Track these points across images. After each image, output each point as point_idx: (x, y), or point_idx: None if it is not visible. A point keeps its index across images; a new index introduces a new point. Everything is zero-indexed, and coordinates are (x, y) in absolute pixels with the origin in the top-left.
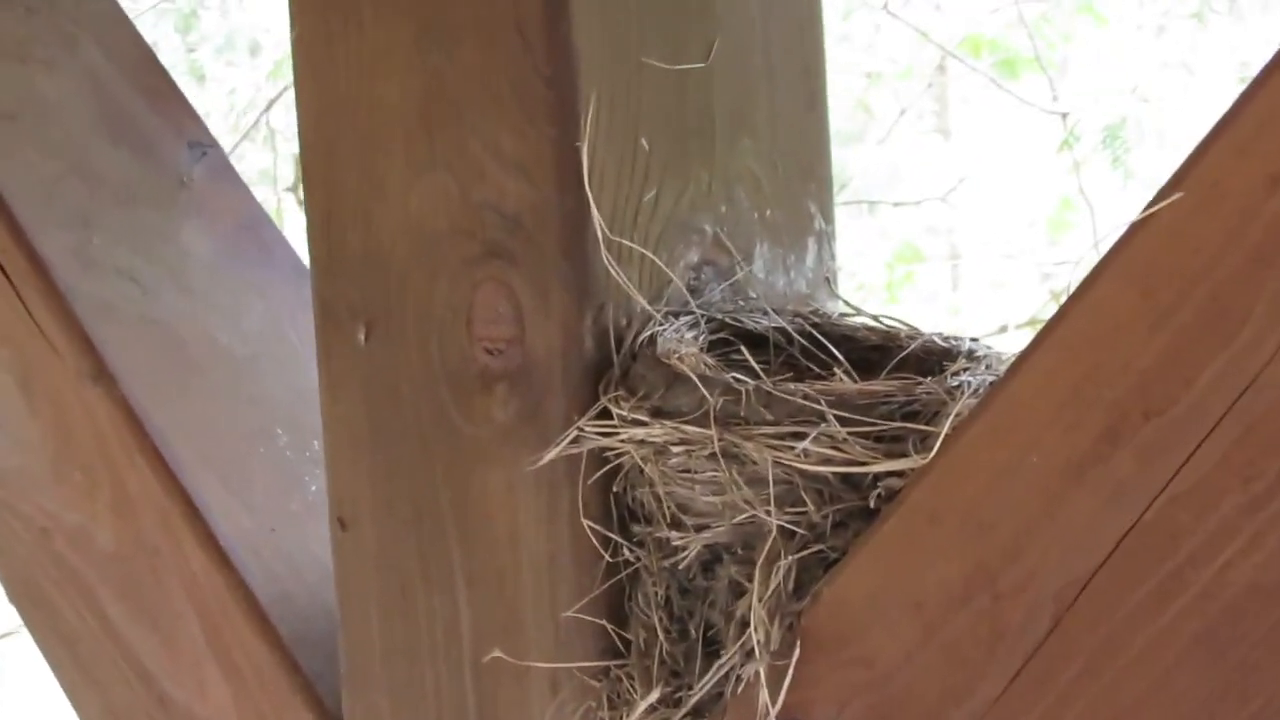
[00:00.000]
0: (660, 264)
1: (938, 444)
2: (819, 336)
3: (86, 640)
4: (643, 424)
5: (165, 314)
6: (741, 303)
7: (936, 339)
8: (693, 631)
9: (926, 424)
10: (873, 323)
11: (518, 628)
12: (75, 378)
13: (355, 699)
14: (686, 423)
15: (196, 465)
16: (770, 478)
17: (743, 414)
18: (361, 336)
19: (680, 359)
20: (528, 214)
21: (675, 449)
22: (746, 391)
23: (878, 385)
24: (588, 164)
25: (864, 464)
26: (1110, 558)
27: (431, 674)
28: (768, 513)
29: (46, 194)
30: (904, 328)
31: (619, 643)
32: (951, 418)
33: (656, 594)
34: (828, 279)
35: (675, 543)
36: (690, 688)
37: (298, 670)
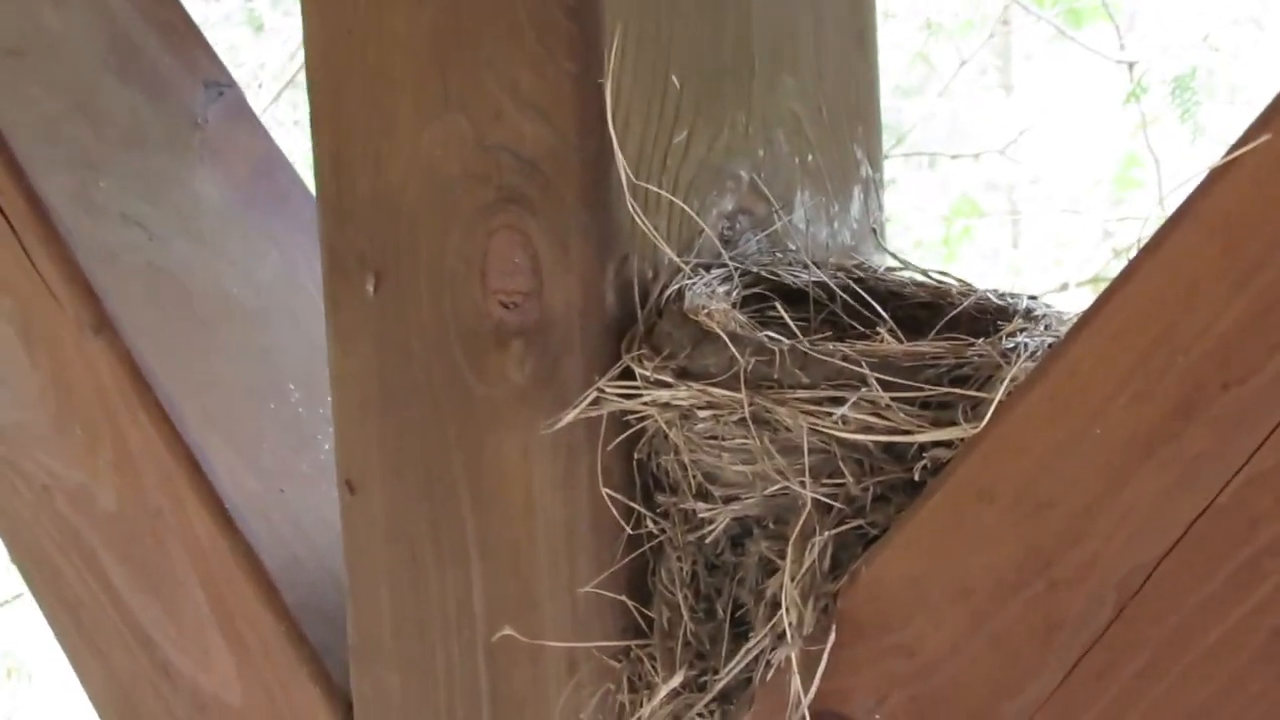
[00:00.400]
0: (690, 212)
1: (990, 413)
2: (863, 292)
3: (89, 605)
4: (667, 385)
5: (173, 263)
6: (779, 255)
7: (991, 296)
8: (720, 611)
9: (978, 389)
10: (922, 278)
11: (532, 603)
12: (76, 328)
13: (363, 674)
14: (715, 385)
15: (202, 423)
16: (805, 446)
17: (776, 376)
18: (370, 287)
19: (709, 315)
20: (546, 158)
21: (702, 413)
22: (780, 352)
23: (925, 346)
24: (612, 104)
25: (908, 433)
26: (1180, 543)
27: (443, 651)
28: (802, 484)
29: (50, 134)
30: (956, 283)
31: (641, 621)
32: (1006, 383)
33: (681, 570)
34: (874, 230)
35: (702, 515)
36: (716, 671)
37: (304, 642)
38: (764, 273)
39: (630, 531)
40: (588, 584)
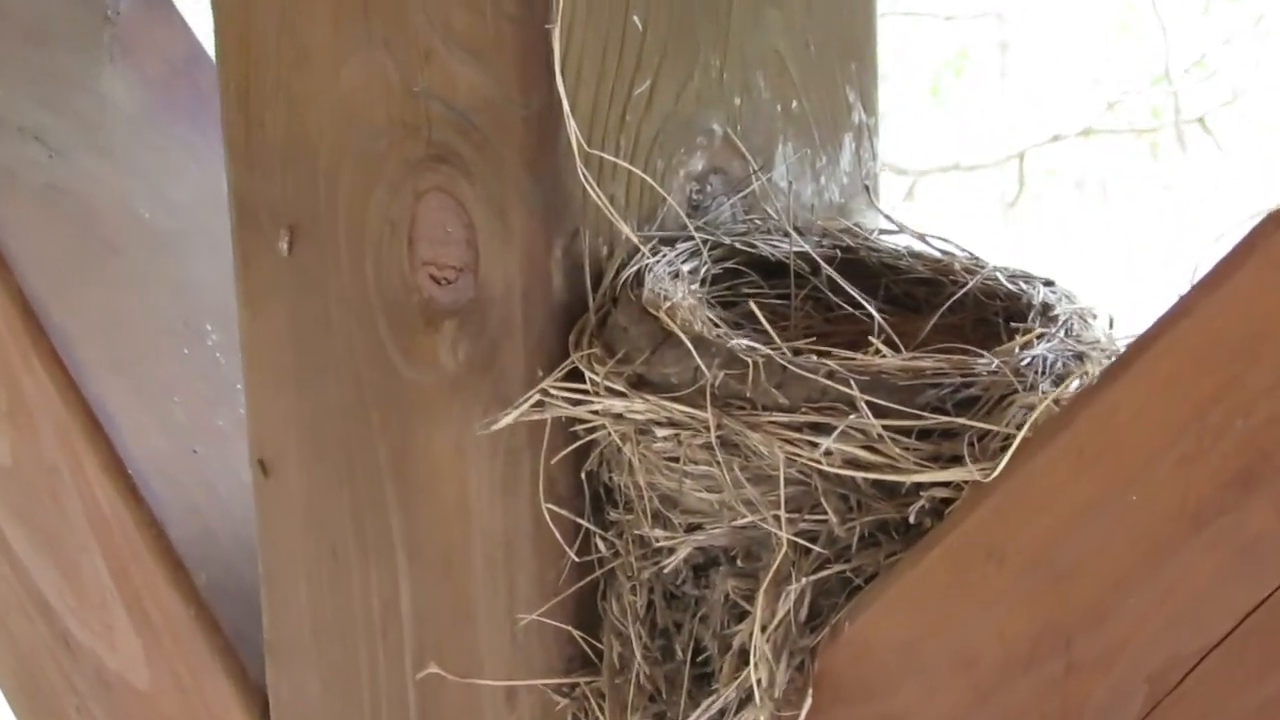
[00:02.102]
0: (652, 182)
1: (1005, 459)
2: (852, 265)
3: None
4: (621, 395)
5: (75, 181)
6: (756, 222)
7: (1000, 277)
8: (679, 651)
9: (986, 414)
10: (919, 244)
11: (466, 616)
12: None
13: (280, 674)
14: (677, 399)
15: (103, 370)
16: (782, 479)
17: (749, 395)
18: (284, 245)
19: (671, 313)
20: (483, 111)
21: (661, 431)
22: (755, 365)
23: (925, 361)
24: (561, 51)
25: (905, 472)
26: (1230, 636)
27: (367, 658)
28: (777, 519)
29: None
30: (958, 254)
31: (589, 651)
32: (1024, 421)
33: (634, 603)
34: (867, 186)
35: (660, 544)
36: None
37: (217, 630)
38: (738, 244)
39: (576, 558)
40: (528, 604)
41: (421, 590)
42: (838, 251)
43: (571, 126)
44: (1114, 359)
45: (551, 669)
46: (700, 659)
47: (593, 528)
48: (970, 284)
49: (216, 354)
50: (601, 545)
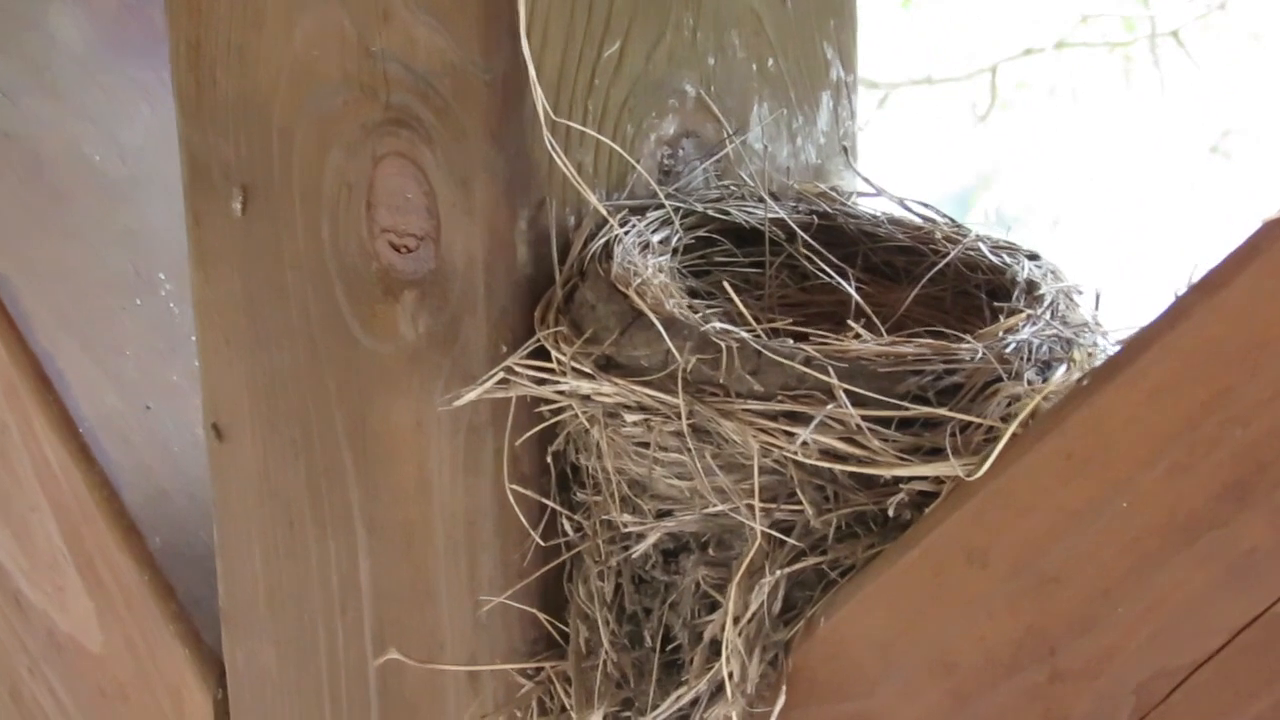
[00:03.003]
0: (620, 150)
1: (990, 459)
2: (830, 232)
3: None
4: (588, 376)
5: (20, 124)
6: (730, 187)
7: (983, 248)
8: (648, 638)
9: (970, 402)
10: (899, 210)
11: (428, 596)
12: None
13: (235, 643)
14: (646, 383)
15: (52, 323)
16: (756, 469)
17: (722, 380)
18: (238, 205)
19: (641, 291)
20: (444, 75)
21: (630, 416)
22: (729, 349)
23: (906, 347)
24: (526, 12)
25: (884, 465)
26: (1222, 652)
27: (325, 633)
28: (750, 508)
29: None
30: (940, 221)
31: (554, 633)
32: (1009, 413)
33: (601, 588)
34: (845, 147)
35: (629, 529)
36: (642, 713)
37: (170, 595)
38: (711, 211)
39: (542, 542)
40: (491, 585)
41: (381, 566)
42: (814, 218)
43: (538, 93)
44: (1105, 359)
45: (515, 651)
46: (670, 647)
47: (559, 509)
48: (951, 254)
49: (170, 304)
50: (568, 527)
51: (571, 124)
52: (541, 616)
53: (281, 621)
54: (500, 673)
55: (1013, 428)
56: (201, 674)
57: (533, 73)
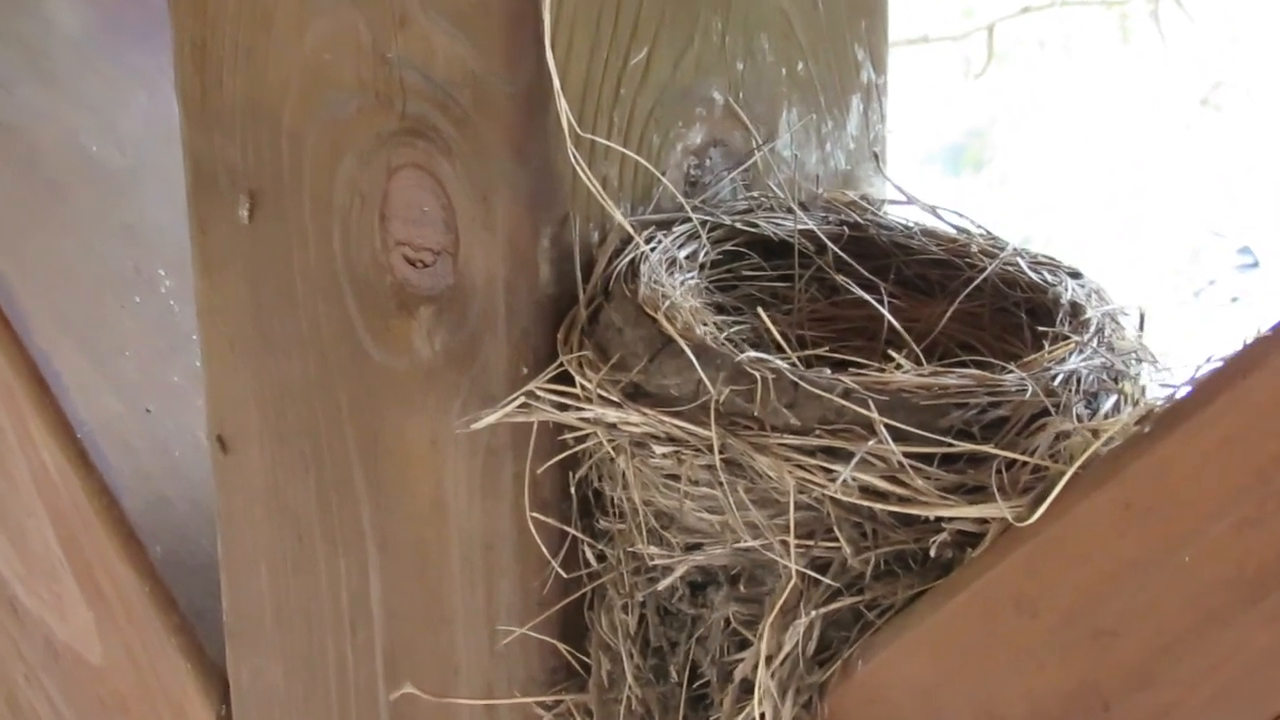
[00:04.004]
0: (646, 164)
1: (1044, 507)
2: (860, 244)
3: None
4: (615, 405)
5: (16, 114)
6: (758, 198)
7: (1022, 263)
8: (673, 673)
9: (1016, 435)
10: (932, 219)
11: (443, 620)
12: None
13: (241, 659)
14: (676, 414)
15: (49, 322)
16: (792, 507)
17: (757, 413)
18: (244, 212)
19: (670, 316)
20: (464, 86)
21: (659, 448)
22: (764, 380)
23: (949, 378)
24: (551, 22)
25: (928, 506)
26: None
27: (334, 650)
28: (784, 544)
29: None
30: (975, 233)
31: (574, 663)
32: (1057, 450)
33: (625, 621)
34: (875, 154)
35: (656, 562)
36: None
37: (172, 607)
38: (738, 224)
39: (565, 574)
40: (509, 612)
41: (393, 588)
42: (845, 229)
43: (563, 106)
44: (1168, 406)
45: (534, 681)
46: (697, 684)
47: (581, 536)
48: (989, 270)
49: (170, 302)
50: (590, 556)
51: (597, 139)
52: (561, 647)
53: (289, 639)
54: (521, 704)
55: (1070, 472)
56: (204, 689)
57: (558, 85)
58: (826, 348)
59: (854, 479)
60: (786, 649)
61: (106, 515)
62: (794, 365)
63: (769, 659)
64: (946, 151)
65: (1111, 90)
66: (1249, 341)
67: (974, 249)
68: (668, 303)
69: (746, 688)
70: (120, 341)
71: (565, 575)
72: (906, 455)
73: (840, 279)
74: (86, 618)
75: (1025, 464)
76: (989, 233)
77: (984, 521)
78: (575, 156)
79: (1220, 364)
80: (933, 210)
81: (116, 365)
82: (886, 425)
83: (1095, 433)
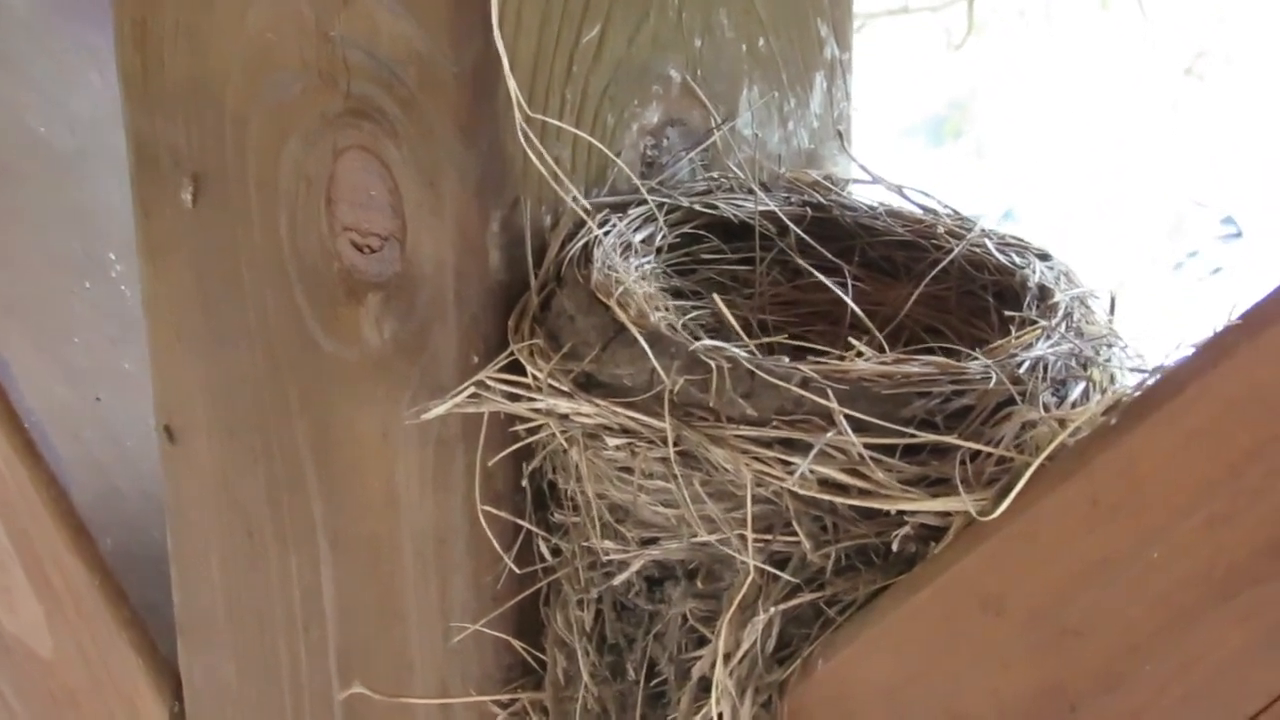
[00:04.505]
0: (600, 146)
1: (1007, 501)
2: (824, 225)
3: None
4: (567, 395)
5: None
6: (718, 179)
7: (989, 244)
8: (630, 671)
9: (981, 425)
10: (898, 199)
11: (397, 616)
12: None
13: (193, 655)
14: (629, 405)
15: None
16: (749, 500)
17: (712, 404)
18: (188, 196)
19: (623, 303)
20: (410, 65)
21: (613, 440)
22: (720, 370)
23: (912, 366)
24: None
25: (889, 499)
26: (1259, 716)
27: (287, 648)
28: (741, 538)
29: None
30: (942, 213)
31: (530, 660)
32: (1023, 440)
33: (581, 618)
34: (839, 132)
35: (611, 556)
36: None
37: (124, 601)
38: (697, 205)
39: (517, 569)
40: (463, 607)
41: (346, 584)
42: (807, 210)
43: (512, 86)
44: (1136, 397)
45: (489, 678)
46: (655, 681)
47: (535, 529)
48: (955, 252)
49: (121, 287)
50: (545, 550)
51: (548, 119)
52: (517, 644)
53: (241, 635)
54: (476, 702)
55: (1035, 465)
56: (156, 685)
57: (506, 64)
58: (787, 334)
59: (813, 472)
60: (745, 647)
61: (55, 507)
62: (751, 353)
63: (727, 657)
64: (927, 123)
65: (1093, 60)
66: (1219, 329)
67: (940, 230)
68: (621, 289)
69: (705, 686)
70: (69, 327)
71: (519, 570)
72: (867, 446)
73: (802, 262)
74: (36, 611)
75: (990, 455)
76: (956, 213)
77: (947, 515)
78: (526, 137)
79: (1191, 351)
80: (899, 190)
81: (65, 352)
82: (846, 416)
83: (1062, 422)
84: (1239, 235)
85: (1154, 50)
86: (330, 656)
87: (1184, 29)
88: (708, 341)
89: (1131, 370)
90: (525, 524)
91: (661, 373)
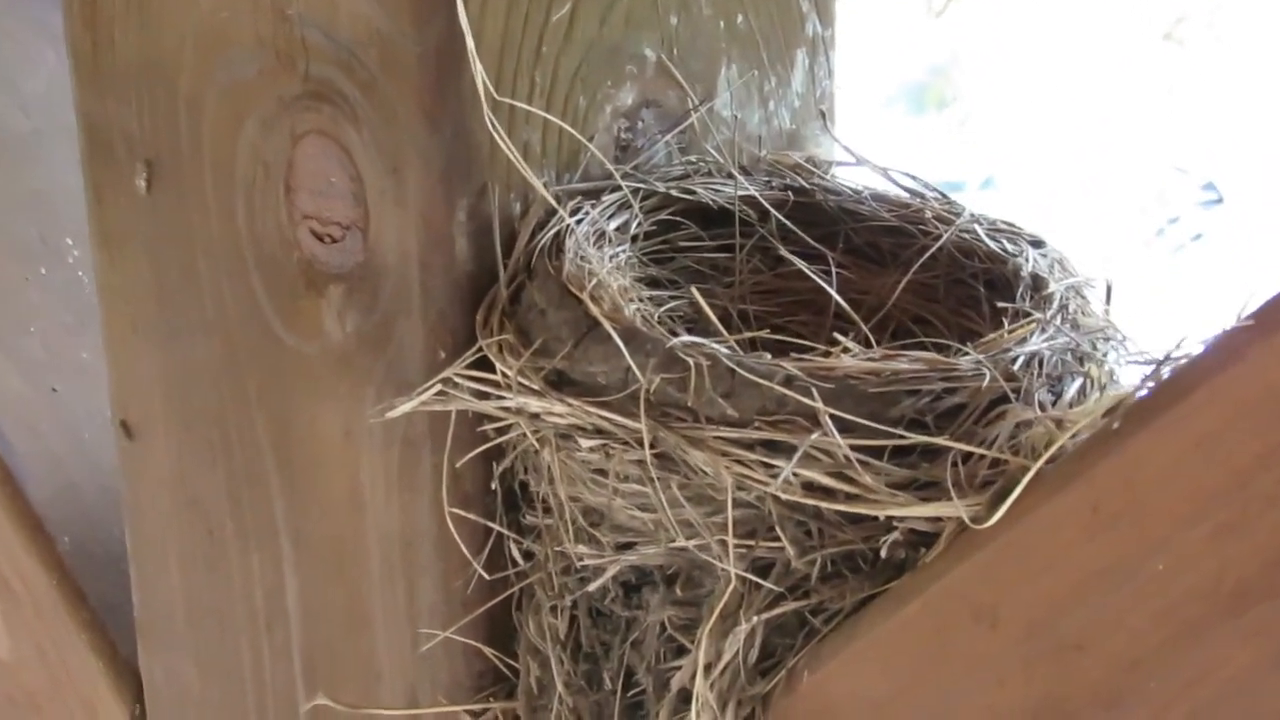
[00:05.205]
0: (571, 130)
1: (1003, 509)
2: (807, 210)
3: None
4: (537, 393)
5: None
6: (695, 162)
7: (979, 230)
8: (607, 680)
9: (974, 425)
10: (883, 181)
11: (363, 620)
12: None
13: (153, 657)
14: (603, 405)
15: None
16: (730, 504)
17: (690, 404)
18: (142, 182)
19: (596, 297)
20: (370, 46)
21: (586, 441)
22: (698, 368)
23: (900, 363)
24: None
25: (877, 504)
26: None
27: (250, 648)
28: (722, 544)
29: None
30: (929, 196)
31: (501, 666)
32: (1018, 440)
33: (554, 625)
34: (822, 112)
35: (586, 562)
36: None
37: (83, 602)
38: (674, 191)
39: (485, 575)
40: (431, 612)
41: (310, 586)
42: (789, 194)
43: (478, 68)
44: (1140, 400)
45: (459, 686)
46: (633, 691)
47: (506, 532)
48: (944, 238)
49: (79, 273)
50: (517, 553)
51: (516, 103)
52: (488, 650)
53: (202, 637)
54: (442, 703)
55: (1033, 471)
56: (117, 688)
57: (471, 45)
58: (769, 328)
59: (797, 475)
60: (726, 657)
61: (11, 504)
62: (732, 350)
63: (708, 668)
64: (909, 90)
65: (1073, 25)
66: (1227, 329)
67: (928, 215)
68: (594, 281)
69: (684, 698)
70: (25, 316)
71: (490, 575)
72: (854, 448)
73: (784, 249)
74: None
75: (983, 457)
76: (944, 196)
77: (939, 520)
78: (492, 122)
79: (1195, 350)
80: (884, 172)
81: (20, 342)
82: (832, 416)
83: (1059, 423)
84: (1220, 201)
85: (1134, 15)
86: (295, 659)
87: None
88: (686, 338)
89: (1130, 363)
90: (496, 526)
91: (637, 371)
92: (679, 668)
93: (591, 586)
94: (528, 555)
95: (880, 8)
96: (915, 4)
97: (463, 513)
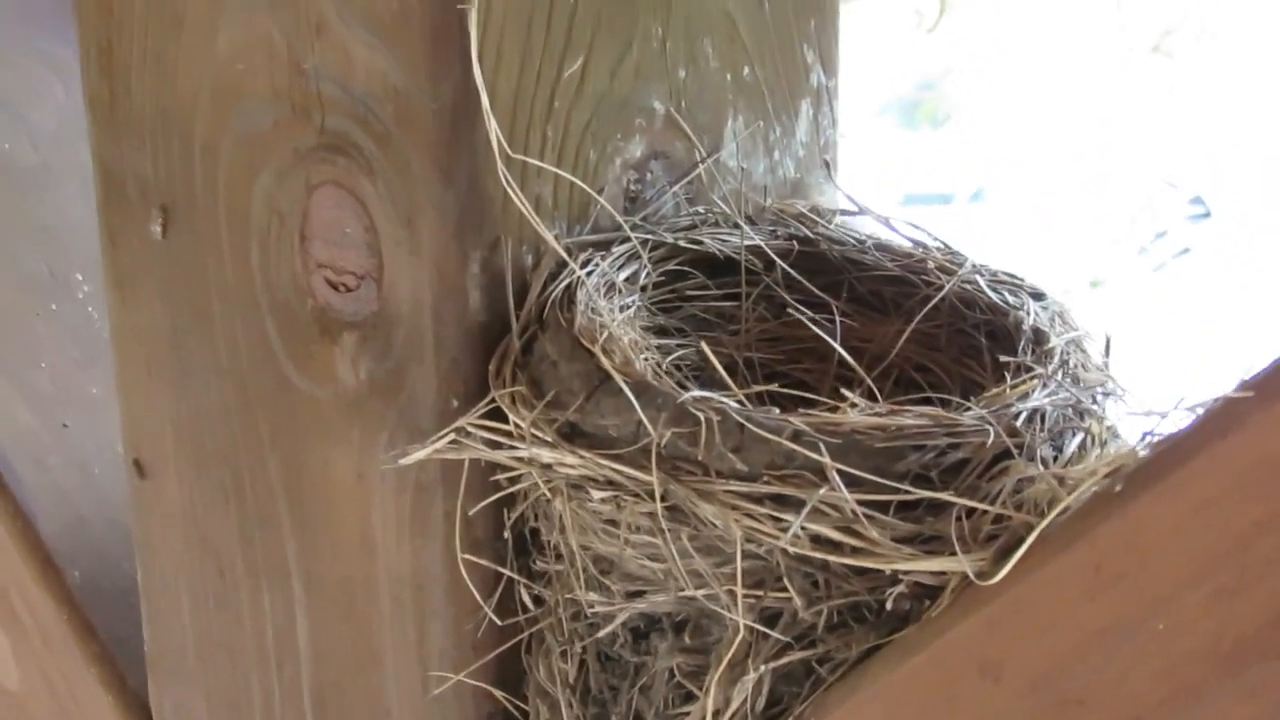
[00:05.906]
0: (582, 185)
1: (1008, 567)
2: (811, 259)
3: None
4: (549, 445)
5: None
6: (702, 213)
7: (981, 282)
8: None
9: (978, 480)
10: (886, 232)
11: (373, 661)
12: None
13: (163, 692)
14: (615, 458)
15: None
16: (739, 556)
17: (701, 457)
18: (157, 227)
19: (608, 350)
20: (386, 100)
21: (598, 493)
22: (709, 423)
23: (906, 418)
24: (478, 34)
25: (884, 558)
26: None
27: (260, 687)
28: (731, 594)
29: None
30: (931, 246)
31: (513, 710)
32: (1020, 495)
33: (564, 669)
34: (826, 161)
35: (596, 609)
36: None
37: (92, 635)
38: (682, 241)
39: (499, 621)
40: (441, 655)
41: (320, 625)
42: (794, 243)
43: (492, 125)
44: (1141, 464)
45: None
46: None
47: (517, 578)
48: (946, 288)
49: (89, 309)
50: (528, 598)
51: (529, 160)
52: (498, 693)
53: (213, 673)
54: None
55: (1038, 530)
56: None
57: (485, 99)
58: (775, 370)
59: (805, 529)
60: (734, 705)
61: (21, 538)
62: (741, 404)
63: (716, 714)
64: (900, 105)
65: (1062, 40)
66: (1227, 396)
67: (930, 265)
68: (605, 334)
69: None
70: (35, 351)
71: (500, 621)
72: (861, 503)
73: (789, 299)
74: (2, 643)
75: (986, 512)
76: (947, 246)
77: (943, 574)
78: (505, 176)
79: (1196, 411)
80: (886, 222)
81: (31, 377)
82: (839, 471)
83: (1061, 480)
84: (1207, 215)
85: (1123, 29)
86: (305, 698)
87: (1152, 6)
88: (696, 392)
89: (1129, 415)
90: (507, 572)
91: (648, 425)
92: (687, 713)
93: (601, 632)
94: (538, 600)
95: (872, 23)
96: (907, 19)
97: (474, 558)
